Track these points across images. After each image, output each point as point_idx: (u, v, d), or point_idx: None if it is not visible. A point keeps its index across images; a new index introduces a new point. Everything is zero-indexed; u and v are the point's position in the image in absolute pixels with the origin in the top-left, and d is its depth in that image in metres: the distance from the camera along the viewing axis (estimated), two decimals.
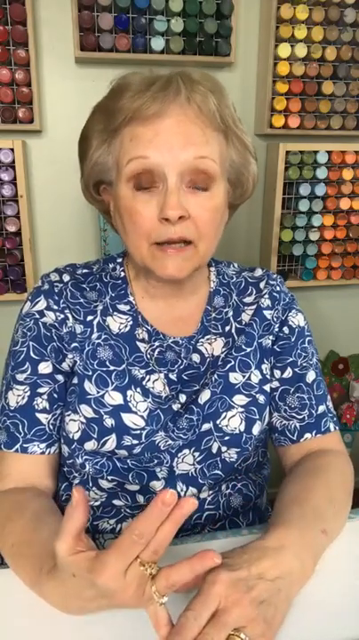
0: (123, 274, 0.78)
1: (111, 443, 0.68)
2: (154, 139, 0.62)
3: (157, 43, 1.32)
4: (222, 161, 0.67)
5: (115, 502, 0.71)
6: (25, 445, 0.69)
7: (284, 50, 1.38)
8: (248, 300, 0.79)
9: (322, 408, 0.75)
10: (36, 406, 0.70)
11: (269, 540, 0.54)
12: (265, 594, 0.48)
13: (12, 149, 1.32)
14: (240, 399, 0.72)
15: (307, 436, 0.74)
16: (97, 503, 0.71)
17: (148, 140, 0.63)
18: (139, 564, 0.45)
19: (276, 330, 0.77)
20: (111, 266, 0.79)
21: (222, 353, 0.75)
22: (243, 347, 0.75)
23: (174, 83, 0.64)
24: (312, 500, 0.62)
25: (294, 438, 0.75)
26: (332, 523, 0.62)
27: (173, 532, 0.45)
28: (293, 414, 0.75)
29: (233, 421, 0.71)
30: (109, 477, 0.69)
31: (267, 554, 0.52)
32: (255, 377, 0.74)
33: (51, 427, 0.71)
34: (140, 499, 0.70)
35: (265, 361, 0.76)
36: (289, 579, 0.51)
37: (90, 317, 0.73)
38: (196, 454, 0.70)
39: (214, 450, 0.70)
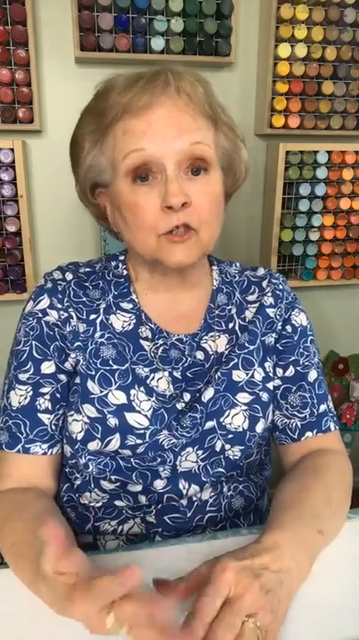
0: (125, 271, 0.78)
1: (115, 442, 0.67)
2: (147, 130, 0.63)
3: (157, 43, 1.32)
4: (215, 147, 0.68)
5: (117, 503, 0.71)
6: (27, 446, 0.69)
7: (284, 50, 1.38)
8: (251, 298, 0.79)
9: (323, 407, 0.76)
10: (39, 406, 0.70)
11: (265, 541, 0.54)
12: (269, 584, 0.49)
13: (12, 149, 1.32)
14: (243, 397, 0.72)
15: (308, 434, 0.74)
16: (98, 504, 0.71)
17: (142, 131, 0.63)
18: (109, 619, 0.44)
19: (279, 328, 0.77)
20: (113, 264, 0.79)
21: (226, 350, 0.75)
22: (247, 344, 0.75)
23: (162, 75, 0.65)
24: (309, 500, 0.62)
25: (295, 437, 0.75)
26: (330, 523, 0.62)
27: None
28: (295, 413, 0.75)
29: (236, 419, 0.71)
30: (112, 477, 0.69)
31: (266, 552, 0.52)
32: (258, 375, 0.74)
33: (54, 427, 0.71)
34: (142, 499, 0.70)
35: (268, 359, 0.76)
36: (289, 574, 0.52)
37: (93, 316, 0.73)
38: (200, 452, 0.70)
39: (218, 448, 0.70)
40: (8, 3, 1.23)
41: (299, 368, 0.76)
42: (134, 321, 0.74)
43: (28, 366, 0.70)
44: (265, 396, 0.74)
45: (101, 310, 0.73)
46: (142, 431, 0.68)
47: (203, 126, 0.66)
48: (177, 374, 0.72)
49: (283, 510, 0.60)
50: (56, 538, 0.45)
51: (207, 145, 0.65)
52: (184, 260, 0.66)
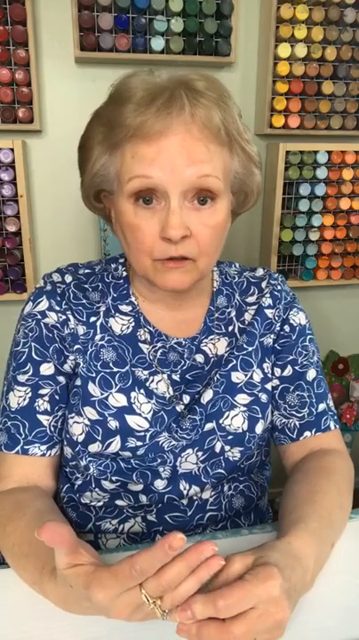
0: (125, 273, 0.78)
1: (115, 445, 0.68)
2: (156, 157, 0.60)
3: (157, 43, 1.32)
4: (226, 175, 0.66)
5: (118, 502, 0.71)
6: (26, 447, 0.69)
7: (284, 50, 1.38)
8: (250, 299, 0.79)
9: (322, 406, 0.76)
10: (38, 408, 0.70)
11: (295, 546, 0.53)
12: (293, 604, 0.48)
13: (12, 149, 1.32)
14: (242, 398, 0.72)
15: (307, 434, 0.74)
16: (99, 504, 0.71)
17: (151, 158, 0.61)
18: (144, 597, 0.43)
19: (277, 328, 0.77)
20: (113, 266, 0.79)
21: (226, 352, 0.75)
22: (245, 346, 0.75)
23: (178, 98, 0.60)
24: (323, 503, 0.61)
25: (294, 436, 0.75)
26: (340, 532, 0.63)
27: (195, 588, 0.43)
28: (293, 412, 0.75)
29: (236, 420, 0.71)
30: (113, 478, 0.69)
31: (298, 563, 0.51)
32: (257, 376, 0.74)
33: (52, 428, 0.71)
34: (143, 498, 0.70)
35: (266, 360, 0.76)
36: (302, 591, 0.52)
37: (93, 319, 0.73)
38: (200, 454, 0.70)
39: (217, 449, 0.70)
40: (8, 3, 1.23)
41: (297, 367, 0.76)
42: (133, 324, 0.74)
43: (27, 367, 0.70)
44: (264, 397, 0.74)
45: (101, 313, 0.73)
46: (142, 433, 0.68)
47: (216, 154, 0.63)
48: (176, 377, 0.72)
49: (302, 510, 0.59)
50: (61, 537, 0.44)
51: (216, 177, 0.63)
52: (178, 286, 0.66)
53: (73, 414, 0.69)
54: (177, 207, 0.61)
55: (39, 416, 0.70)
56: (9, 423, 0.70)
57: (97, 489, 0.70)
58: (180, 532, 0.41)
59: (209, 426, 0.70)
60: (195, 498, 0.71)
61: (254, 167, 0.70)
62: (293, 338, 0.77)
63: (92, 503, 0.72)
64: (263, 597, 0.44)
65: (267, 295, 0.78)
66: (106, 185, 0.68)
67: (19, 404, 0.70)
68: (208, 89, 0.63)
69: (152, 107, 0.60)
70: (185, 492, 0.70)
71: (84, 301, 0.73)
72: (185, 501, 0.71)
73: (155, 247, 0.63)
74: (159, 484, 0.69)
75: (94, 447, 0.68)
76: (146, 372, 0.71)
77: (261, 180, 0.72)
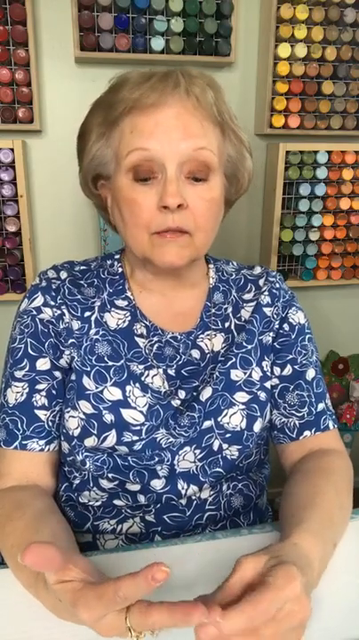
0: (120, 269, 0.78)
1: (111, 439, 0.68)
2: (154, 129, 0.64)
3: (157, 43, 1.32)
4: (220, 154, 0.69)
5: (116, 502, 0.70)
6: (24, 442, 0.69)
7: (284, 50, 1.38)
8: (247, 296, 0.79)
9: (321, 406, 0.76)
10: (35, 403, 0.70)
11: (301, 546, 0.52)
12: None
13: (12, 149, 1.32)
14: (241, 396, 0.72)
15: (307, 433, 0.74)
16: (98, 503, 0.71)
17: (149, 131, 0.64)
18: (128, 629, 0.42)
19: (276, 327, 0.77)
20: (109, 262, 0.80)
21: (222, 349, 0.75)
22: (244, 343, 0.75)
23: (173, 76, 0.66)
24: (324, 504, 0.61)
25: (293, 436, 0.75)
26: (341, 532, 0.63)
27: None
28: (292, 412, 0.75)
29: (234, 419, 0.71)
30: (110, 475, 0.69)
31: (308, 564, 0.51)
32: (256, 374, 0.74)
33: (50, 423, 0.71)
34: (141, 498, 0.70)
35: (265, 358, 0.76)
36: (311, 590, 0.51)
37: (87, 313, 0.73)
38: (197, 452, 0.70)
39: (215, 447, 0.70)
40: (8, 3, 1.23)
41: (296, 367, 0.76)
42: (129, 318, 0.74)
43: (24, 363, 0.71)
44: (263, 396, 0.74)
45: (96, 308, 0.74)
46: (138, 427, 0.68)
47: (210, 131, 0.67)
48: (171, 372, 0.73)
49: (305, 513, 0.59)
50: (47, 560, 0.41)
51: (211, 151, 0.66)
52: (175, 261, 0.67)
53: (69, 409, 0.70)
54: (174, 177, 0.64)
55: (37, 411, 0.70)
56: (7, 419, 0.70)
57: (95, 488, 0.70)
58: (164, 564, 0.39)
59: (207, 423, 0.70)
60: (193, 497, 0.71)
61: (246, 152, 0.73)
62: (292, 337, 0.77)
63: (91, 503, 0.71)
64: (290, 597, 0.44)
65: (266, 293, 0.78)
66: (103, 169, 0.70)
67: (16, 400, 0.70)
68: (201, 75, 0.68)
69: (148, 82, 0.64)
70: (183, 492, 0.69)
71: (79, 297, 0.74)
72: (183, 501, 0.70)
73: (152, 219, 0.65)
74: (157, 484, 0.69)
75: (90, 441, 0.68)
76: (141, 367, 0.71)
77: (252, 167, 0.75)
